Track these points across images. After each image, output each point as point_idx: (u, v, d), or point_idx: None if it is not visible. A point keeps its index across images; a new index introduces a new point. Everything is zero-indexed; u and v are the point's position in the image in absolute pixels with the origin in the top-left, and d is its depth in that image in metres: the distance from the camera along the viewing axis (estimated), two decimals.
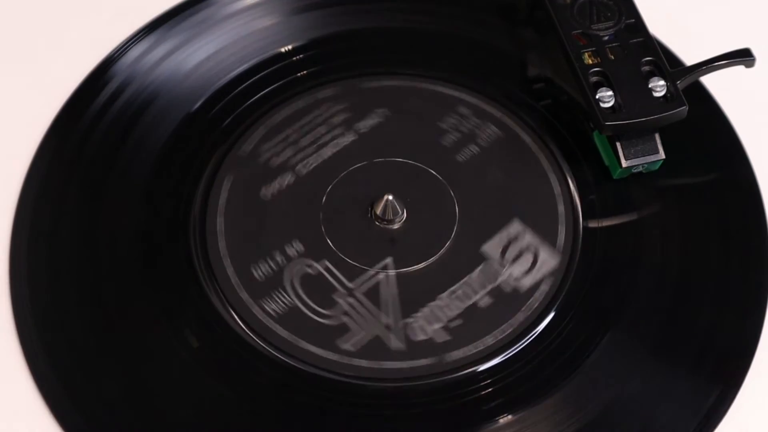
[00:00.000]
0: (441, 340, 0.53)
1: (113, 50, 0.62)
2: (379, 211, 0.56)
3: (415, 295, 0.54)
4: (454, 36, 0.63)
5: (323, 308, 0.54)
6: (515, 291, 0.54)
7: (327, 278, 0.55)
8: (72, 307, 0.54)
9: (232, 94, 0.60)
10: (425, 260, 0.55)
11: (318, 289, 0.54)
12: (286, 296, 0.54)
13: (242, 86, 0.60)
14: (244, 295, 0.54)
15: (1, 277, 0.55)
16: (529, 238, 0.55)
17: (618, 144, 0.56)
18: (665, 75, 0.56)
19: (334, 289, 0.54)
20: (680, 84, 0.56)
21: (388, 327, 0.53)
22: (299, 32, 0.63)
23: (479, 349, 0.53)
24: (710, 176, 0.58)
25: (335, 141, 0.59)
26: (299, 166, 0.58)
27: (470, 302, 0.54)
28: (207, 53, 0.62)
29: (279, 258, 0.55)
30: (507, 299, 0.54)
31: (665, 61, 0.57)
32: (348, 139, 0.59)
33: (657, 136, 0.56)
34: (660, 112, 0.55)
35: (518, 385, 0.52)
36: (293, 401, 0.52)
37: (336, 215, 0.56)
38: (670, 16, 0.64)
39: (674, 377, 0.53)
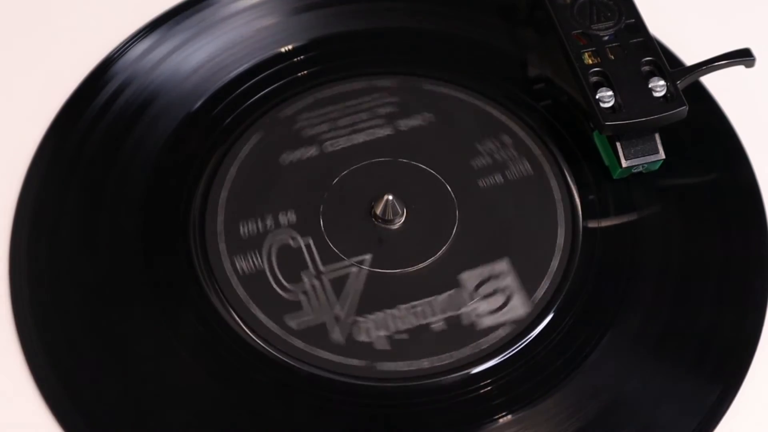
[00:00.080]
0: (380, 348, 0.53)
1: (113, 50, 0.62)
2: (378, 210, 0.56)
3: (377, 297, 0.54)
4: (453, 36, 0.62)
5: (287, 281, 0.54)
6: (472, 326, 0.53)
7: (303, 255, 0.55)
8: (72, 307, 0.54)
9: (232, 93, 0.60)
10: (401, 268, 0.55)
11: (291, 262, 0.55)
12: (258, 259, 0.55)
13: (243, 86, 0.60)
14: (222, 247, 0.55)
15: (1, 277, 0.55)
16: (509, 280, 0.55)
17: (618, 144, 0.56)
18: (665, 75, 0.56)
19: (305, 267, 0.55)
20: (680, 84, 0.56)
21: (337, 318, 0.54)
22: (300, 32, 0.63)
23: (411, 368, 0.52)
24: (710, 176, 0.58)
25: (371, 130, 0.59)
26: (327, 144, 0.58)
27: (424, 321, 0.54)
28: (207, 53, 0.62)
29: (269, 222, 0.56)
30: (460, 331, 0.53)
31: (665, 61, 0.57)
32: (384, 132, 0.59)
33: (657, 136, 0.56)
34: (660, 112, 0.55)
35: (518, 385, 0.52)
36: (293, 401, 0.52)
37: (339, 200, 0.57)
38: (670, 16, 0.64)
39: (674, 377, 0.53)
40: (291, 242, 0.55)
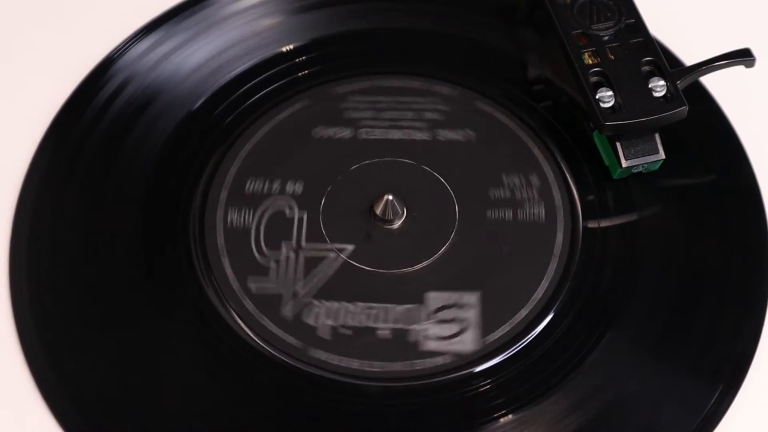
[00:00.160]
0: (321, 335, 0.53)
1: (114, 49, 0.62)
2: (378, 208, 0.56)
3: (340, 287, 0.54)
4: (453, 36, 0.62)
5: (266, 246, 0.55)
6: (415, 344, 0.53)
7: (293, 226, 0.56)
8: (72, 307, 0.54)
9: (232, 93, 0.60)
10: (376, 268, 0.55)
11: (278, 229, 0.56)
12: (249, 217, 0.56)
13: (243, 85, 0.60)
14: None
15: (1, 277, 0.55)
16: (471, 314, 0.54)
17: (618, 144, 0.56)
18: (665, 75, 0.56)
19: (289, 238, 0.55)
20: (680, 84, 0.56)
21: (294, 294, 0.54)
22: (301, 32, 0.63)
23: (341, 364, 0.52)
24: (710, 176, 0.58)
25: (410, 131, 0.59)
26: (363, 130, 0.58)
27: (373, 325, 0.53)
28: (208, 52, 0.62)
29: (276, 185, 0.56)
30: (402, 346, 0.53)
31: (665, 61, 0.57)
32: (420, 135, 0.59)
33: (657, 136, 0.56)
34: (660, 112, 0.55)
35: (518, 385, 0.52)
36: (298, 401, 0.52)
37: (348, 186, 0.57)
38: (670, 16, 0.64)
39: (674, 377, 0.53)
40: (287, 211, 0.56)
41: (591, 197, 0.57)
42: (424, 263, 0.55)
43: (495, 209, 0.56)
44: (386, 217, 0.56)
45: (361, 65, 0.61)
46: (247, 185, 0.56)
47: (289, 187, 0.57)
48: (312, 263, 0.55)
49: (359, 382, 0.52)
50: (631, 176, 0.58)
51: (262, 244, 0.55)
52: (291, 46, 0.62)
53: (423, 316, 0.54)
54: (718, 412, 0.52)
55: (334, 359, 0.52)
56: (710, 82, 0.60)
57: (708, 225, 0.57)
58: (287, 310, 0.54)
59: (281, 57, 0.62)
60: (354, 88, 0.60)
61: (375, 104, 0.59)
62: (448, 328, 0.53)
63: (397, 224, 0.56)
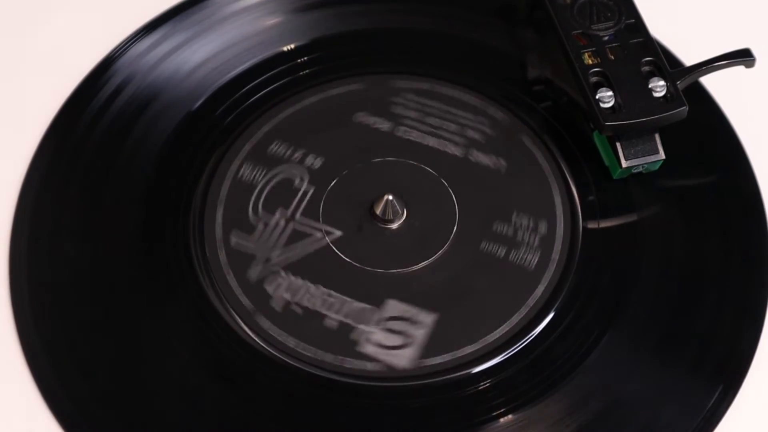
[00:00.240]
0: (274, 306, 0.54)
1: (114, 48, 0.62)
2: (378, 208, 0.56)
3: (311, 267, 0.55)
4: (453, 36, 0.62)
5: (262, 207, 0.56)
6: (354, 343, 0.53)
7: (295, 197, 0.56)
8: (72, 307, 0.54)
9: (233, 93, 0.60)
10: (352, 260, 0.55)
11: (279, 194, 0.56)
12: (258, 175, 0.57)
13: (244, 85, 0.60)
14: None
15: (1, 277, 0.55)
16: (419, 333, 0.53)
17: (618, 144, 0.56)
18: (665, 75, 0.56)
19: (287, 206, 0.56)
20: (680, 84, 0.56)
21: (267, 260, 0.55)
22: (301, 31, 0.63)
23: (279, 338, 0.53)
24: (710, 176, 0.58)
25: (444, 141, 0.58)
26: (402, 129, 0.59)
27: (325, 312, 0.54)
28: (208, 52, 0.62)
29: (297, 154, 0.57)
30: (341, 340, 0.53)
31: (665, 61, 0.57)
32: (453, 150, 0.58)
33: (657, 137, 0.56)
34: (660, 113, 0.55)
35: (518, 384, 0.52)
36: (295, 399, 0.52)
37: (363, 176, 0.57)
38: (670, 16, 0.64)
39: (674, 377, 0.53)
40: (296, 181, 0.56)
41: (591, 197, 0.57)
42: (398, 270, 0.55)
43: (491, 242, 0.56)
44: (385, 217, 0.56)
45: (360, 65, 0.61)
46: (271, 147, 0.57)
47: (309, 160, 0.57)
48: (296, 236, 0.55)
49: (289, 361, 0.52)
50: (631, 176, 0.58)
51: (259, 205, 0.56)
52: (292, 46, 0.62)
53: (374, 319, 0.54)
54: (718, 412, 0.52)
55: (274, 331, 0.53)
56: (710, 82, 0.60)
57: (708, 225, 0.57)
58: (253, 272, 0.54)
59: (282, 57, 0.62)
60: (412, 86, 0.60)
61: (424, 107, 0.59)
62: (392, 339, 0.53)
63: (391, 226, 0.56)
